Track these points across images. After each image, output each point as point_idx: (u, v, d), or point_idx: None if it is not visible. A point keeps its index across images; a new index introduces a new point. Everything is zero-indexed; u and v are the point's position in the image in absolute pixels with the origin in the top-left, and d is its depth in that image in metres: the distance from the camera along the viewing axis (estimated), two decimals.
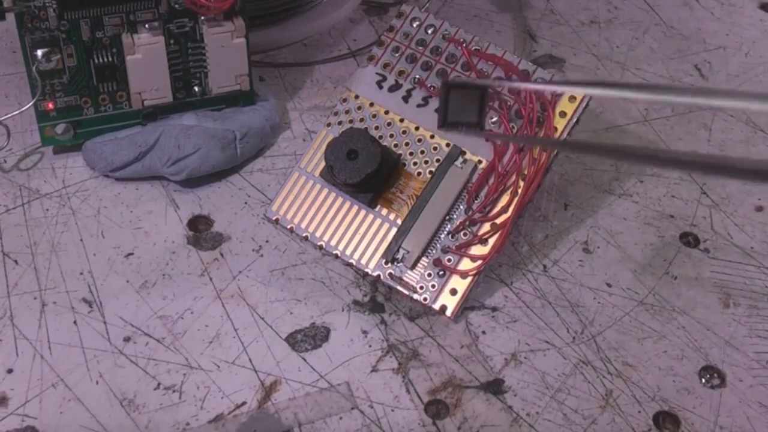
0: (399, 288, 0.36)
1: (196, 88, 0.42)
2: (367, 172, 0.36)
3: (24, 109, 0.40)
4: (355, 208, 0.37)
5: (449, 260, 0.36)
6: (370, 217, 0.37)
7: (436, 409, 0.33)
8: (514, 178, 0.36)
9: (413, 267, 0.36)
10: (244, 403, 0.33)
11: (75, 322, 0.35)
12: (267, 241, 0.39)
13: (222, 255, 0.38)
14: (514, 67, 0.37)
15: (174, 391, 0.33)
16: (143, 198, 0.41)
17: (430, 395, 0.34)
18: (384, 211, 0.37)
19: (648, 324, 0.37)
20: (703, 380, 0.35)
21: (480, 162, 0.37)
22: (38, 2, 0.37)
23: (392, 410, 0.33)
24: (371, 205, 0.37)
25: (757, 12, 0.55)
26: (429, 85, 0.38)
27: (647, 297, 0.38)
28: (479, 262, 0.36)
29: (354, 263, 0.36)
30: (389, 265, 0.36)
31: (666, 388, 0.34)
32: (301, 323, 0.36)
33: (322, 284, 0.37)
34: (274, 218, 0.37)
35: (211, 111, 0.42)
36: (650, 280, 0.38)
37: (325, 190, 0.38)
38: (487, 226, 0.36)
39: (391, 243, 0.36)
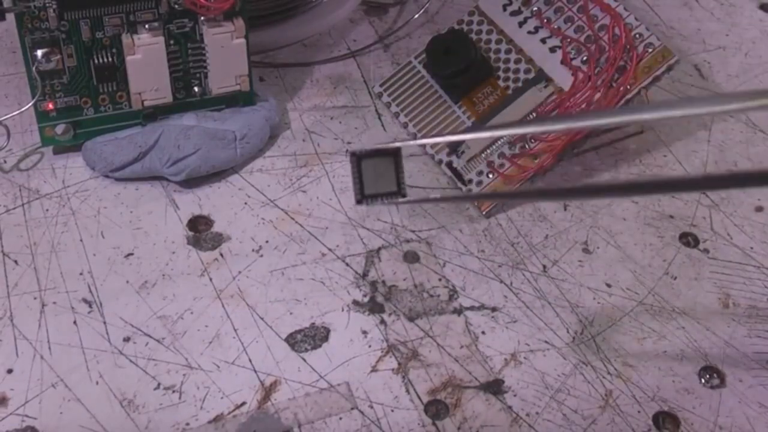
0: (452, 177, 0.41)
1: (196, 89, 0.42)
2: (453, 69, 0.42)
3: (24, 109, 0.40)
4: (442, 99, 0.43)
5: (501, 165, 0.41)
6: (451, 110, 0.43)
7: (435, 409, 0.33)
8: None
9: (468, 161, 0.41)
10: (243, 404, 0.33)
11: (75, 322, 0.35)
12: (267, 241, 0.39)
13: (222, 255, 0.38)
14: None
15: (174, 392, 0.33)
16: (143, 198, 0.41)
17: (430, 395, 0.34)
18: (464, 109, 0.43)
19: (648, 324, 0.37)
20: (703, 380, 0.35)
21: (561, 91, 0.41)
22: (38, 2, 0.37)
23: (392, 410, 0.33)
24: (455, 100, 0.43)
25: (756, 12, 0.55)
26: (544, 18, 0.42)
27: (647, 297, 0.38)
28: (525, 172, 0.40)
29: (425, 145, 0.43)
30: (452, 156, 0.42)
31: (666, 389, 0.34)
32: (301, 323, 0.36)
33: (322, 284, 0.37)
34: (377, 92, 0.45)
35: (211, 111, 0.42)
36: (650, 280, 0.38)
37: (425, 79, 0.44)
38: (542, 145, 0.40)
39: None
